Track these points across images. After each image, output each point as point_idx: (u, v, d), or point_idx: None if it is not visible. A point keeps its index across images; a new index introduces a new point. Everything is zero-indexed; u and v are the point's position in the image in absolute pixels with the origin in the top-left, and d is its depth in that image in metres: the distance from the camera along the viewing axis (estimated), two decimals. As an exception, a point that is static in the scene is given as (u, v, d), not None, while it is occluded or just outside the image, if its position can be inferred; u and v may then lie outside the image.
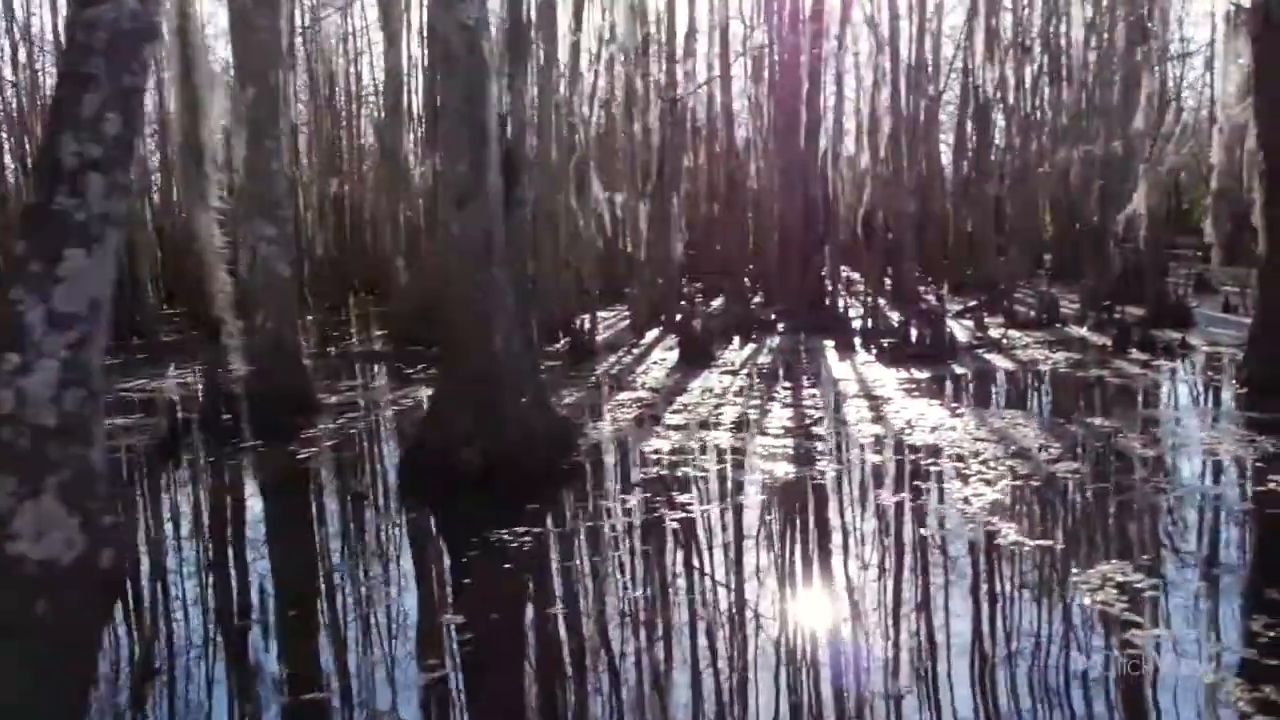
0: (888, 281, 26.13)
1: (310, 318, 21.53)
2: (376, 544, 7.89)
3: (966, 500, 7.81)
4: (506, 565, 6.71)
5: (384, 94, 23.28)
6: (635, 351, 18.64)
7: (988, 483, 8.24)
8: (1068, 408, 11.71)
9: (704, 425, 11.33)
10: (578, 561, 6.99)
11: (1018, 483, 8.26)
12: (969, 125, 30.19)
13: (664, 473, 9.10)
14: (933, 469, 8.94)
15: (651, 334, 20.83)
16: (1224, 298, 20.57)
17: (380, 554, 7.58)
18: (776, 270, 23.79)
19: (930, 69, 30.53)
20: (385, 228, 24.62)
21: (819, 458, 9.48)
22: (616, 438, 10.95)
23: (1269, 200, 11.86)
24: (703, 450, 10.06)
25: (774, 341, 19.20)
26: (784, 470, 9.00)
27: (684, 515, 7.74)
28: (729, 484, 8.96)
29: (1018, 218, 29.99)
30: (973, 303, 22.49)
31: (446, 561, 7.34)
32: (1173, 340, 16.11)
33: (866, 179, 26.03)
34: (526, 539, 7.17)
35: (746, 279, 26.39)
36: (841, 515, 8.12)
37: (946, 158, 35.02)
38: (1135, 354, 15.28)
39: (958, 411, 11.63)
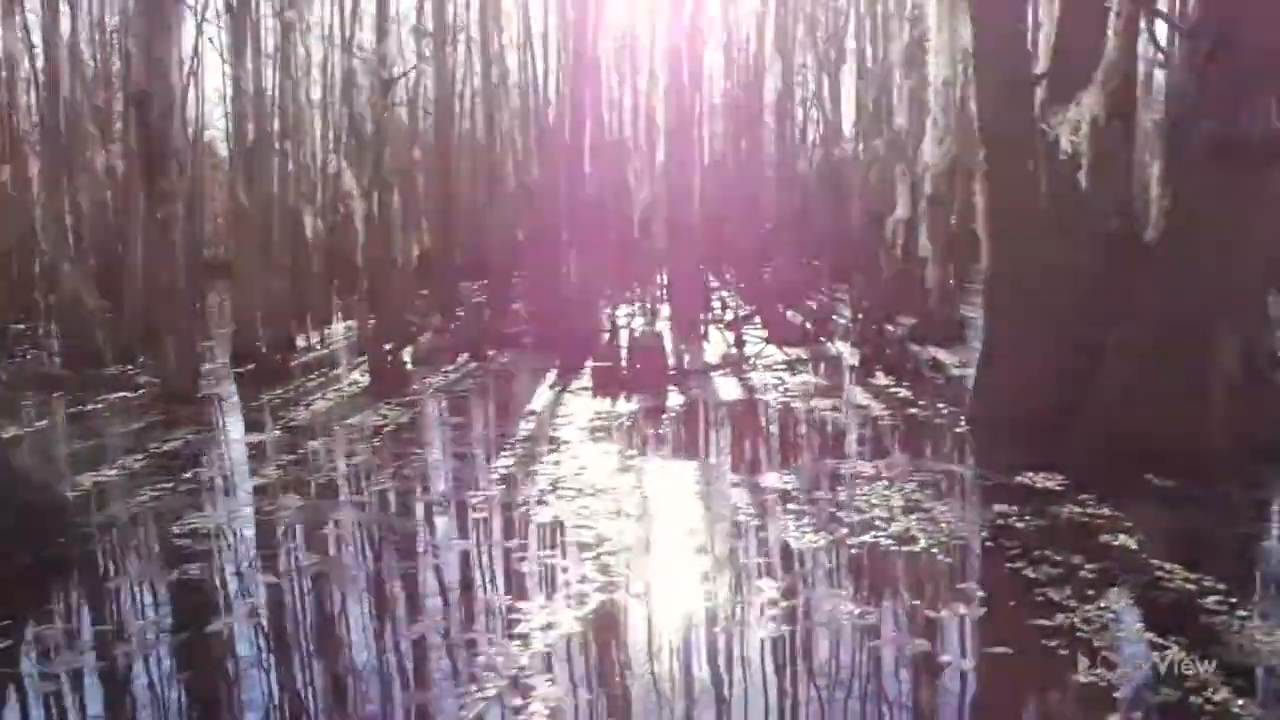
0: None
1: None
2: None
3: None
4: None
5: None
6: (331, 374, 15.79)
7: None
8: (751, 459, 9.63)
9: (285, 487, 8.70)
10: None
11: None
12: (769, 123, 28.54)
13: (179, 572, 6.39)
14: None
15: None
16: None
17: None
18: (535, 277, 21.30)
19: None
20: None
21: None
22: (157, 509, 8.15)
23: (993, 207, 10.07)
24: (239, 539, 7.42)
25: (504, 359, 16.69)
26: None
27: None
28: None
29: (822, 218, 28.51)
30: (744, 312, 20.60)
31: None
32: (927, 360, 14.42)
33: (645, 177, 23.84)
34: None
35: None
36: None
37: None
38: (879, 378, 13.45)
39: (628, 460, 9.38)
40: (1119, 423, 9.06)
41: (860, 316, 17.71)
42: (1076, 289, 10.13)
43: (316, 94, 19.67)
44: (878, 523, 7.18)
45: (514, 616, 5.68)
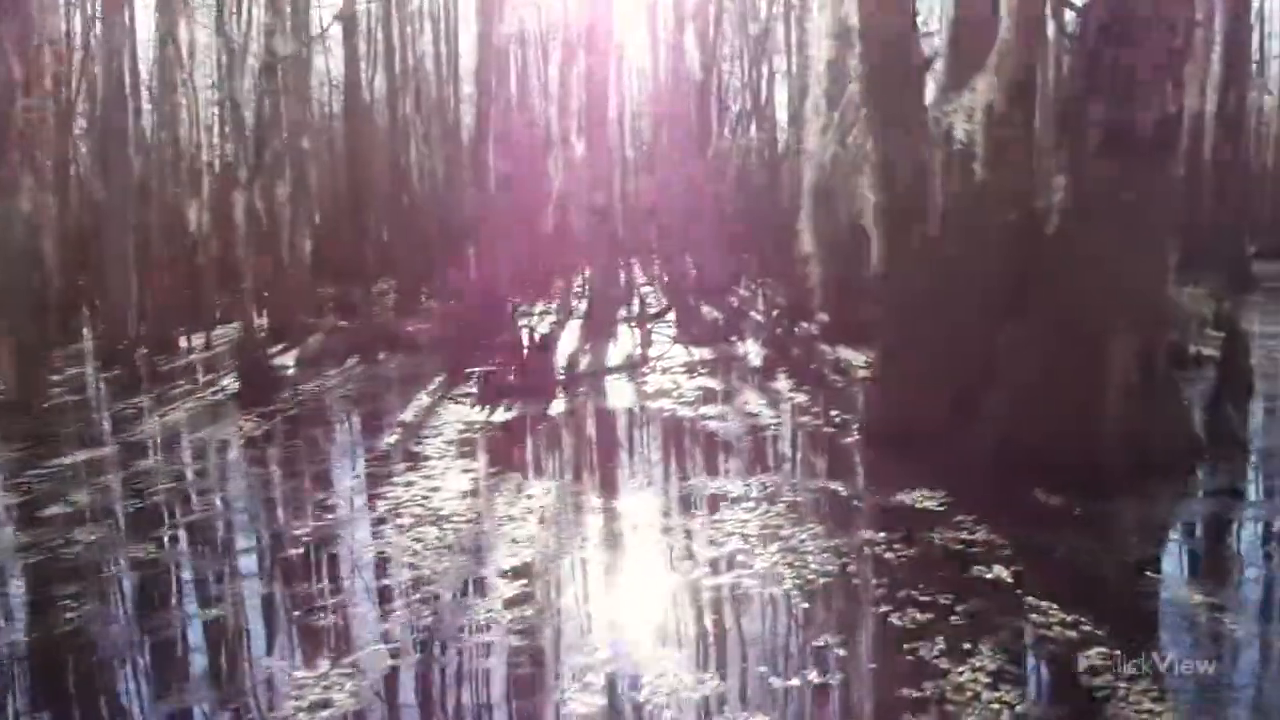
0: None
1: None
2: None
3: None
4: None
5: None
6: (204, 379, 14.68)
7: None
8: (616, 478, 8.85)
9: (80, 518, 7.70)
10: None
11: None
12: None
13: None
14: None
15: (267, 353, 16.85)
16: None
17: None
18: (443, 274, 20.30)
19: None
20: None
21: None
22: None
23: (886, 199, 9.36)
24: None
25: (395, 362, 15.70)
26: None
27: None
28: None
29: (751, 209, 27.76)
30: (658, 309, 19.82)
31: None
32: (834, 361, 13.75)
33: (563, 168, 22.80)
34: None
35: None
36: None
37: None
38: (779, 381, 12.72)
39: (483, 480, 8.52)
40: (1010, 432, 8.41)
41: (773, 314, 17.02)
42: (973, 288, 9.47)
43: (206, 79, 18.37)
44: (735, 558, 6.40)
45: (283, 689, 4.81)
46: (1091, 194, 8.18)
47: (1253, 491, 7.91)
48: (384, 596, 6.04)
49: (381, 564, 6.57)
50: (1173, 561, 6.34)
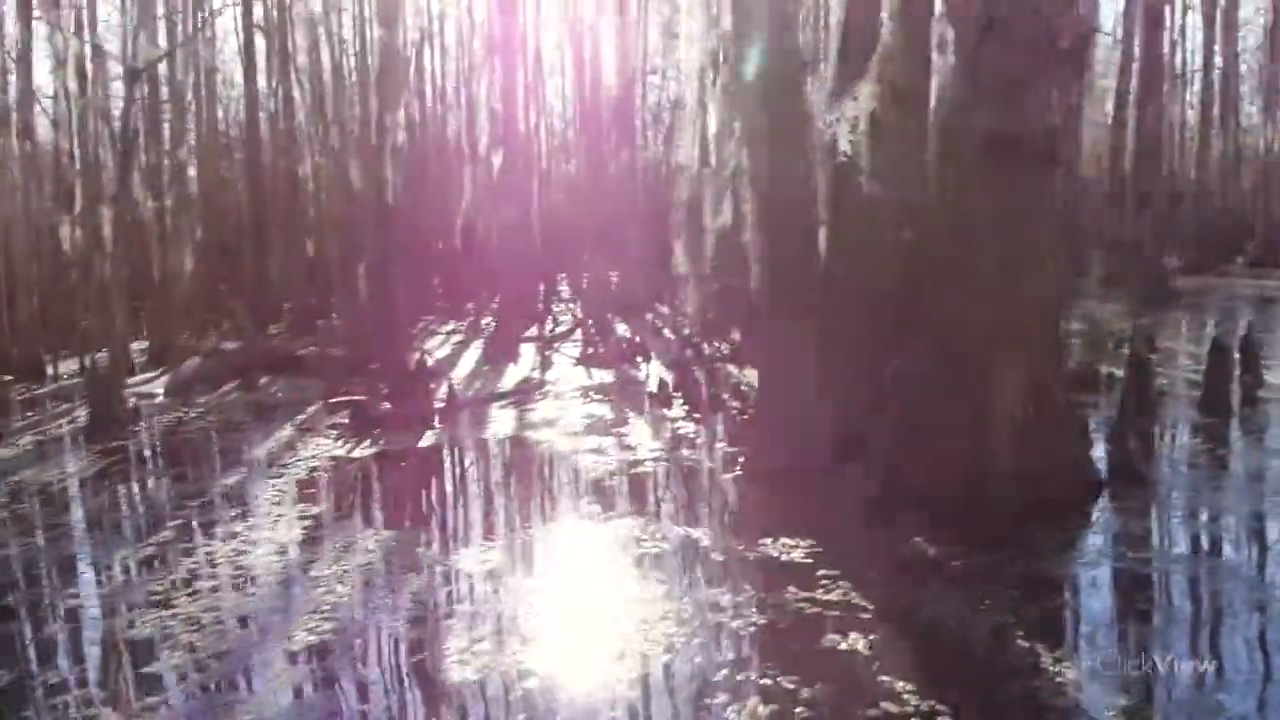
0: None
1: None
2: None
3: None
4: None
5: None
6: (60, 408, 13.52)
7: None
8: (458, 526, 7.97)
9: None
10: None
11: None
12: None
13: None
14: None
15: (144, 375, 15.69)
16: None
17: None
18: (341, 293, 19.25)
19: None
20: None
21: None
22: None
23: (760, 217, 8.63)
24: None
25: (275, 388, 14.65)
26: None
27: None
28: None
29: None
30: (565, 329, 19.00)
31: None
32: (735, 385, 13.01)
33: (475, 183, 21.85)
34: None
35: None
36: None
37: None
38: (674, 408, 11.93)
39: (308, 531, 7.60)
40: (893, 472, 7.73)
41: (682, 334, 16.29)
42: (860, 312, 8.80)
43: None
44: (565, 633, 5.57)
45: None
46: (975, 209, 7.54)
47: (1145, 538, 7.21)
48: (143, 686, 5.11)
49: (146, 646, 5.61)
50: (1049, 628, 5.61)
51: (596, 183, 26.60)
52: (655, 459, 9.51)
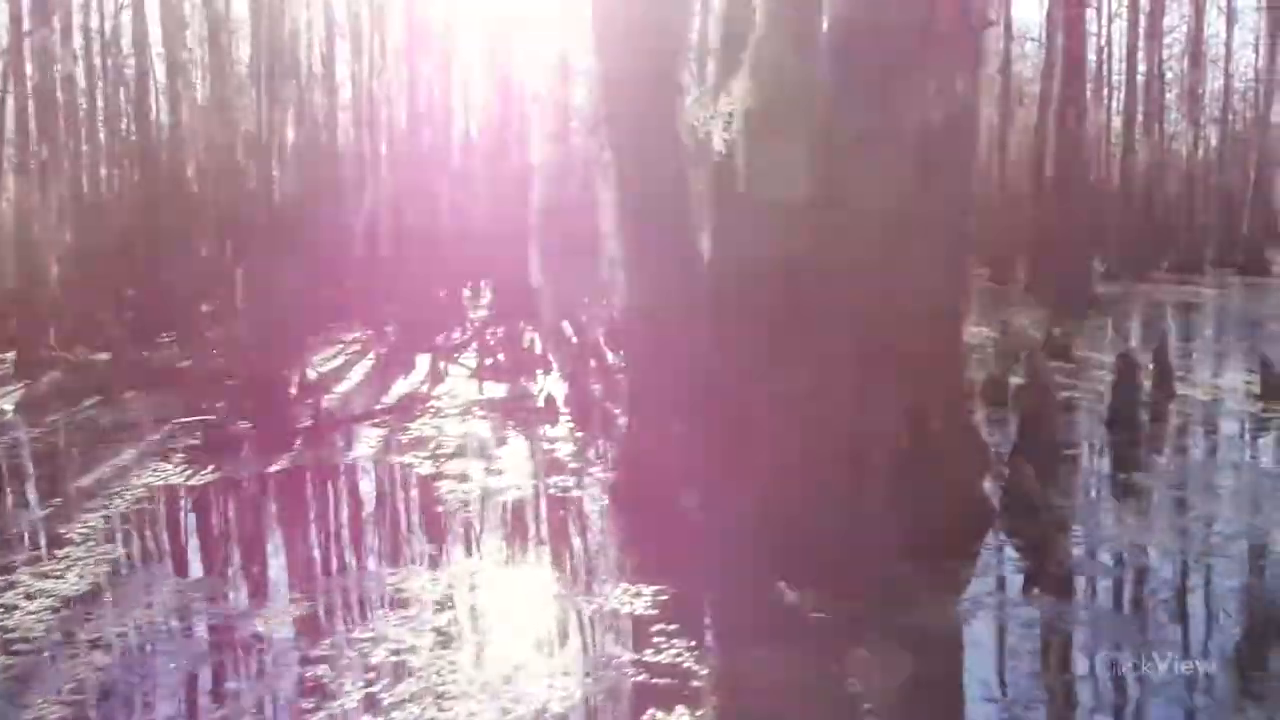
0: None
1: None
2: None
3: None
4: None
5: None
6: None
7: None
8: (264, 574, 7.10)
9: None
10: None
11: None
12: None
13: None
14: None
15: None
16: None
17: None
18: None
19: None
20: None
21: None
22: None
23: (623, 222, 7.83)
24: None
25: (138, 405, 13.49)
26: None
27: None
28: None
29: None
30: (458, 340, 18.04)
31: None
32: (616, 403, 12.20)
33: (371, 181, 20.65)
34: None
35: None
36: None
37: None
38: (559, 425, 11.09)
39: (95, 576, 6.64)
40: (764, 505, 6.99)
41: (584, 343, 15.46)
42: (738, 328, 8.04)
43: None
44: None
45: None
46: (852, 212, 6.84)
47: (1031, 581, 6.48)
48: None
49: None
50: (908, 701, 4.86)
51: (519, 184, 25.68)
52: (520, 487, 8.67)
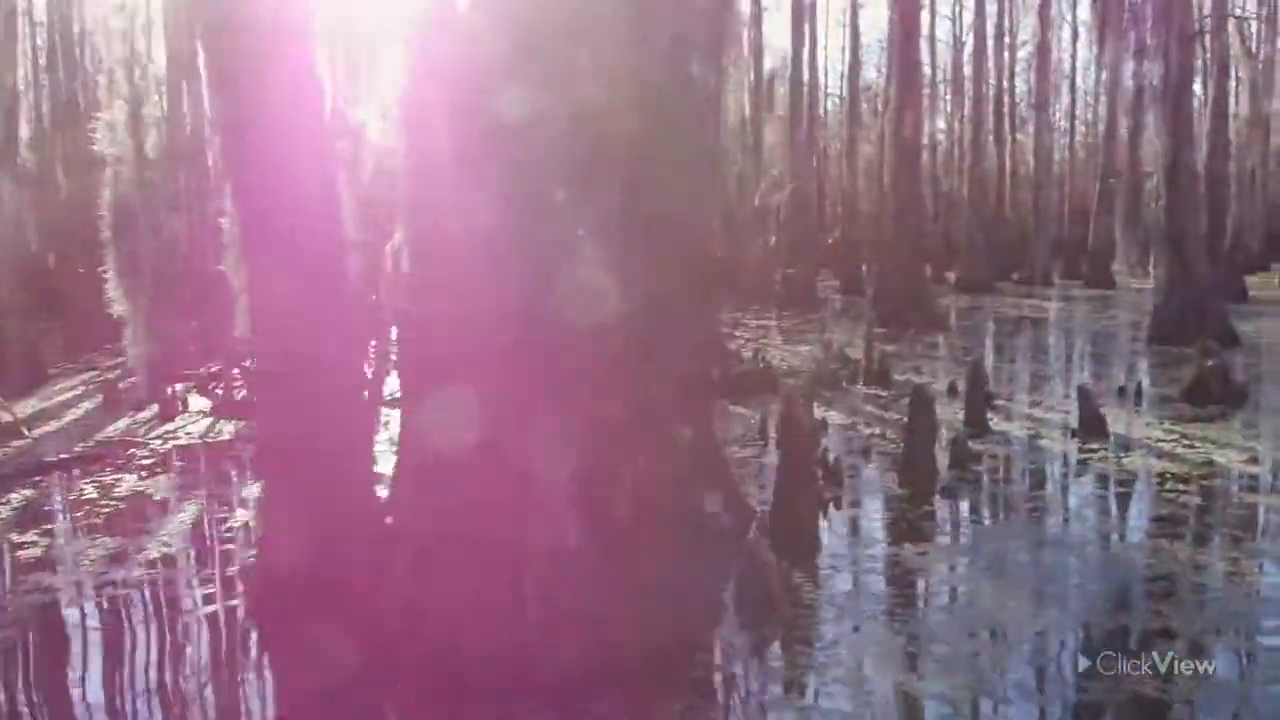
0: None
1: None
2: None
3: None
4: None
5: None
6: None
7: None
8: None
9: None
10: None
11: None
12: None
13: None
14: None
15: None
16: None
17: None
18: None
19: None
20: None
21: None
22: None
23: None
24: None
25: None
26: None
27: None
28: None
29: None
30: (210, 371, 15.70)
31: None
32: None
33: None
34: None
35: None
36: None
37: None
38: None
39: None
40: (413, 613, 5.24)
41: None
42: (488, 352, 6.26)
43: None
44: None
45: None
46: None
47: None
48: None
49: None
50: None
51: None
52: (150, 568, 6.67)
